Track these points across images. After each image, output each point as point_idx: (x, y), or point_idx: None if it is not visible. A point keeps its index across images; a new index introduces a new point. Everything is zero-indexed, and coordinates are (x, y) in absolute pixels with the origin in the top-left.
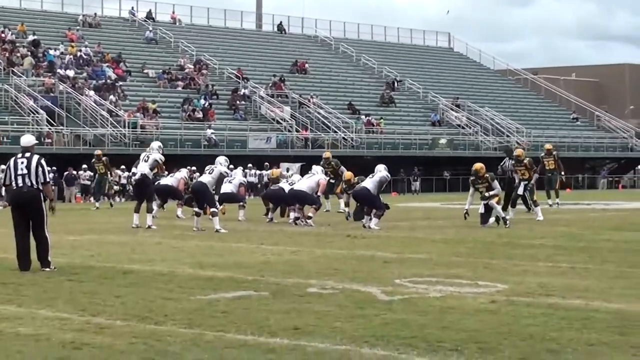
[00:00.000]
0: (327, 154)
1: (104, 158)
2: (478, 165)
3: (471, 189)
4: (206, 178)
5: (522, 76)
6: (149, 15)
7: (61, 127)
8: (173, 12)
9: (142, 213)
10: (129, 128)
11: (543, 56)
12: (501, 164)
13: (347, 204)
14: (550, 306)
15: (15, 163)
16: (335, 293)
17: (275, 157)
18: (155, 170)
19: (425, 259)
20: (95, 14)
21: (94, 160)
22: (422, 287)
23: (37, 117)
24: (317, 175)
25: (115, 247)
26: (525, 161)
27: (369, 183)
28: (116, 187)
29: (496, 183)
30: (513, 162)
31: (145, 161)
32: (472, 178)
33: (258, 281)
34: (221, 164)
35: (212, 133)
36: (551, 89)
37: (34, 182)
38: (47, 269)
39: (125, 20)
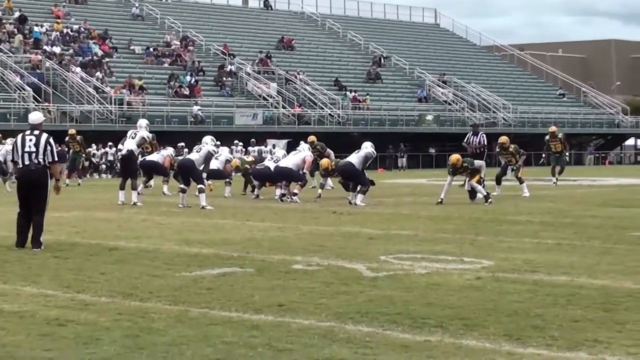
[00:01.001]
0: (312, 137)
1: (78, 137)
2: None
3: (449, 178)
4: (194, 156)
5: (509, 52)
6: None
7: (47, 104)
8: None
9: (127, 190)
10: (115, 104)
11: (529, 32)
12: (464, 140)
13: (322, 186)
14: (536, 282)
15: (23, 140)
16: (320, 270)
17: (262, 134)
18: (146, 149)
19: (411, 236)
20: None
21: (67, 139)
22: (407, 263)
23: (23, 93)
24: (303, 152)
25: (101, 223)
26: (510, 148)
27: (354, 158)
28: (86, 163)
29: (480, 162)
30: (498, 149)
31: (133, 138)
32: (452, 166)
33: (243, 258)
34: (207, 143)
35: (198, 109)
36: (538, 65)
37: (41, 161)
38: (37, 250)
39: None
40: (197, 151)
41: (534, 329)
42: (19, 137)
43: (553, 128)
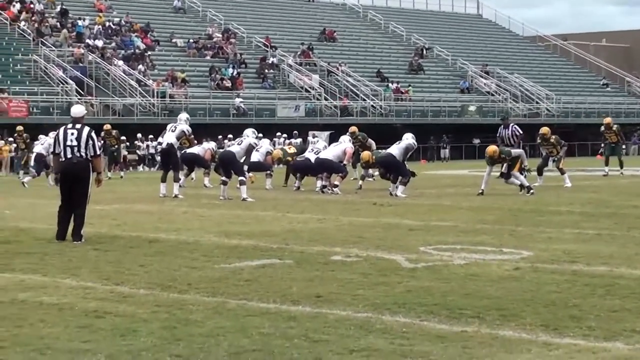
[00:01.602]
0: (353, 128)
1: (113, 132)
2: (545, 130)
3: (488, 168)
4: (235, 148)
5: (552, 42)
6: None
7: (90, 97)
8: None
9: (168, 182)
10: (157, 97)
11: (572, 22)
12: (497, 133)
13: (362, 178)
14: (574, 273)
15: (65, 133)
16: (359, 261)
17: (304, 126)
18: (184, 143)
19: (451, 227)
20: None
21: (103, 134)
22: (446, 254)
23: (66, 87)
24: (344, 144)
25: (142, 216)
26: (551, 139)
27: (395, 149)
28: (129, 156)
29: (518, 150)
30: (539, 139)
31: (172, 131)
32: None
33: (282, 249)
34: (249, 136)
35: (240, 102)
36: (581, 55)
37: (83, 154)
38: (78, 242)
39: None
40: (238, 144)
41: (571, 319)
42: (61, 130)
43: (608, 119)
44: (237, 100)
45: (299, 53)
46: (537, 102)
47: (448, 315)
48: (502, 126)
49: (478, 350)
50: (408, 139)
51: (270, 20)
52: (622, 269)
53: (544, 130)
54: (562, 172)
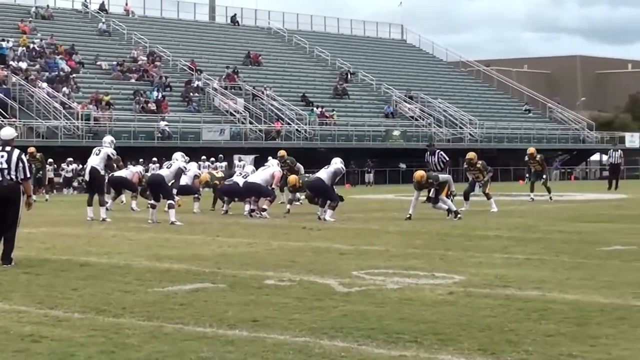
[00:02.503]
0: (281, 152)
1: (38, 155)
2: (471, 155)
3: (415, 193)
4: (164, 172)
5: (475, 68)
6: (102, 7)
7: (14, 119)
8: (126, 4)
9: (95, 205)
10: (82, 120)
11: (495, 48)
12: (424, 159)
13: (290, 202)
14: (508, 297)
15: None
16: (292, 285)
17: (229, 149)
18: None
19: (382, 251)
20: (47, 5)
21: (28, 157)
22: (379, 278)
23: None
24: (272, 168)
25: (71, 239)
26: (478, 164)
27: (323, 174)
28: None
29: (445, 176)
30: (466, 165)
31: (97, 154)
32: (417, 181)
33: (215, 273)
34: (178, 159)
35: (165, 125)
36: (503, 81)
37: (13, 177)
38: (8, 265)
39: (78, 12)
40: (167, 167)
41: (508, 344)
42: None
43: (531, 149)
44: (162, 123)
45: (224, 77)
46: (460, 127)
47: (385, 339)
48: (428, 152)
49: None
50: (337, 163)
51: (195, 43)
52: (554, 293)
53: (471, 155)
54: (488, 197)
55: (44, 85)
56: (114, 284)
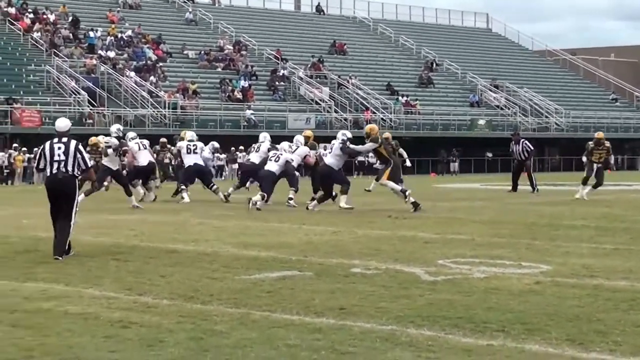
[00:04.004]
0: (387, 134)
1: (101, 146)
2: (600, 134)
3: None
4: (273, 166)
5: (561, 57)
6: None
7: (102, 108)
8: None
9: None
10: (169, 109)
11: (580, 37)
12: (509, 148)
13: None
14: (595, 287)
15: (52, 148)
16: (378, 273)
17: (315, 138)
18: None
19: (467, 240)
20: None
21: (89, 150)
22: (465, 267)
23: (78, 98)
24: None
25: (158, 227)
26: (606, 144)
27: (330, 159)
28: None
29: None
30: (593, 144)
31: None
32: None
33: (302, 261)
34: (285, 150)
35: (251, 114)
36: (590, 70)
37: (69, 169)
38: (59, 258)
39: (165, 1)
40: (275, 160)
41: (597, 334)
42: (47, 144)
43: (600, 134)
44: (248, 112)
45: (309, 65)
46: (546, 116)
47: (473, 328)
48: (512, 141)
49: None
50: (339, 138)
51: (281, 32)
52: None
53: (600, 134)
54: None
55: (132, 74)
56: (201, 271)
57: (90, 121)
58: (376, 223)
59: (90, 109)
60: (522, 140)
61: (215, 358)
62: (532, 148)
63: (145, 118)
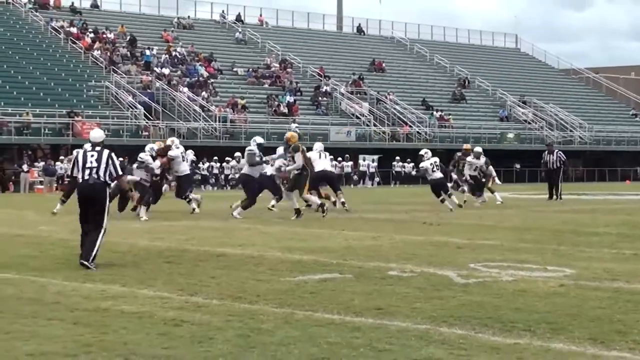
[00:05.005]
0: (467, 145)
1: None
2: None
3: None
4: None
5: (585, 75)
6: (239, 18)
7: (157, 121)
8: (260, 15)
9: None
10: (219, 122)
11: (603, 56)
12: (542, 158)
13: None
14: (616, 290)
15: (85, 156)
16: (414, 276)
17: (355, 149)
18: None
19: (496, 245)
20: (189, 16)
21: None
22: (494, 271)
23: (135, 111)
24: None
25: (208, 232)
26: None
27: (328, 164)
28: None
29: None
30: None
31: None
32: None
33: (342, 264)
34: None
35: (296, 127)
36: (611, 87)
37: (101, 176)
38: (86, 263)
39: (216, 22)
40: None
41: (617, 334)
42: (81, 152)
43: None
44: (293, 125)
45: (350, 82)
46: (570, 130)
47: (501, 328)
48: (546, 152)
49: None
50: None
51: (324, 51)
52: None
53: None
54: None
55: (185, 89)
56: (248, 273)
57: (146, 133)
58: (413, 229)
59: (146, 122)
60: (557, 150)
61: (261, 354)
62: (565, 158)
63: (197, 131)
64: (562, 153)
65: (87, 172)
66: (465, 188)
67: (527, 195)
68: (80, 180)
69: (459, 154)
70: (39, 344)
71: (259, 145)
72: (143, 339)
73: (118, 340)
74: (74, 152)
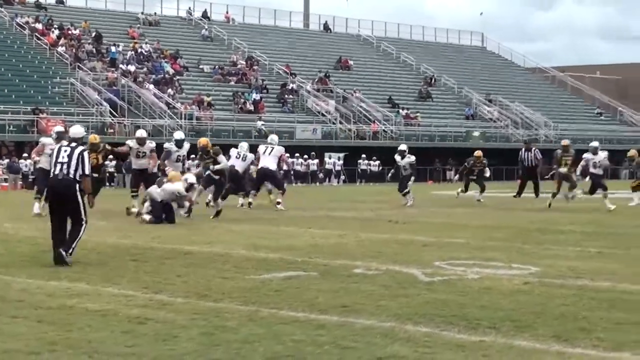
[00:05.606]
0: (478, 153)
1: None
2: (633, 152)
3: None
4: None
5: (550, 74)
6: (205, 15)
7: (123, 118)
8: (227, 12)
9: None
10: (185, 119)
11: (568, 56)
12: (519, 156)
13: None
14: (580, 288)
15: (59, 151)
16: (379, 274)
17: (321, 147)
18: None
19: (462, 243)
20: (155, 13)
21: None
22: (460, 269)
23: (100, 108)
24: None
25: (176, 230)
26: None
27: (269, 161)
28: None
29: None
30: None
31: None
32: None
33: (307, 262)
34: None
35: (262, 124)
36: (577, 86)
37: (71, 172)
38: (64, 254)
39: (182, 19)
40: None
41: (581, 331)
42: (56, 148)
43: (632, 152)
44: (259, 123)
45: (316, 80)
46: (535, 129)
47: (466, 325)
48: (523, 149)
49: (497, 359)
50: (274, 144)
51: (290, 49)
52: (625, 284)
53: (632, 153)
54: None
55: (151, 87)
56: (214, 271)
57: (112, 131)
58: (378, 227)
59: (112, 120)
60: (534, 148)
61: (226, 352)
62: (541, 156)
63: (163, 128)
64: (538, 151)
65: (57, 167)
66: (577, 192)
67: (493, 193)
68: (51, 175)
69: (559, 151)
70: (2, 341)
71: (177, 142)
72: (107, 336)
73: (82, 338)
74: (40, 140)
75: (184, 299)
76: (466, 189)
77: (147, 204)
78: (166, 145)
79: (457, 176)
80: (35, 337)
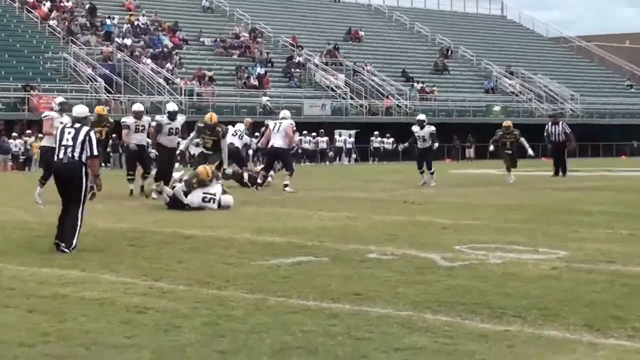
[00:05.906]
0: (507, 122)
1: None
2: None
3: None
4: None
5: (576, 44)
6: None
7: (119, 95)
8: None
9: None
10: (185, 95)
11: (595, 24)
12: (545, 130)
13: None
14: (612, 273)
15: (62, 133)
16: (395, 259)
17: (330, 124)
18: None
19: (483, 225)
20: None
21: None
22: (481, 253)
23: (95, 85)
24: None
25: (176, 213)
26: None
27: (279, 140)
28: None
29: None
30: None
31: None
32: None
33: (317, 247)
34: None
35: (267, 100)
36: (604, 56)
37: (76, 155)
38: (65, 250)
39: None
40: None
41: (614, 320)
42: (59, 129)
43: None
44: (264, 98)
45: (324, 53)
46: (561, 103)
47: (489, 314)
48: (550, 123)
49: (523, 350)
50: (286, 118)
51: (296, 20)
52: None
53: (508, 123)
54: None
55: (148, 61)
56: (217, 257)
57: (107, 108)
58: (392, 208)
59: (107, 96)
60: (562, 122)
61: (231, 343)
62: (570, 130)
63: (161, 105)
64: (567, 125)
65: (62, 150)
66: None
67: (515, 172)
68: (56, 159)
69: (499, 130)
70: None
71: (170, 114)
72: (105, 327)
73: (78, 328)
74: (46, 114)
75: (186, 286)
76: (514, 164)
77: (168, 191)
78: (157, 117)
79: (492, 147)
80: (26, 327)
